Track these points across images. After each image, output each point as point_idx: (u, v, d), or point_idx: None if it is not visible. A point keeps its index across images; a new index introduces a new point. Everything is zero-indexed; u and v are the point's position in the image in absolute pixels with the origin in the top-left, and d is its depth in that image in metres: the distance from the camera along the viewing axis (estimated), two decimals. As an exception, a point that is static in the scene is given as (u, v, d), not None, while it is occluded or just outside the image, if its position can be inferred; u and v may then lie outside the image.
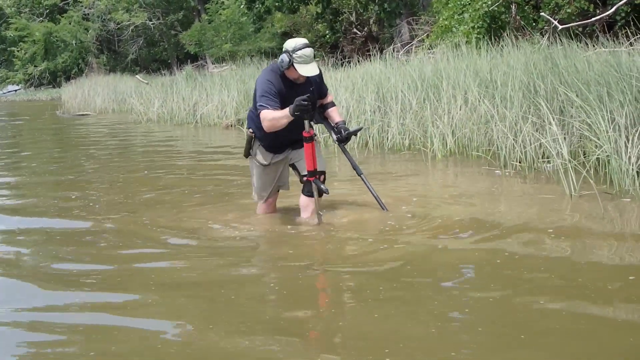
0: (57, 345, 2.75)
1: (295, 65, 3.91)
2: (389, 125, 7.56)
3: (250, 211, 4.62)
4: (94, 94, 20.11)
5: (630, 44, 7.03)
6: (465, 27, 10.48)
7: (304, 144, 4.02)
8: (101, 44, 33.60)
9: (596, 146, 5.02)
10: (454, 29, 10.83)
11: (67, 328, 2.90)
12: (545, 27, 10.05)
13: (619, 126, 4.88)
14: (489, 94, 6.71)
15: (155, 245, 4.13)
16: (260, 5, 17.52)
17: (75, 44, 32.67)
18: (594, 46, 7.23)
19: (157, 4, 29.44)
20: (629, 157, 4.66)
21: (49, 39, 33.15)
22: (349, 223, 4.23)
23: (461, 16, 10.92)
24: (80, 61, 33.13)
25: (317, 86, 4.20)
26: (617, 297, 2.84)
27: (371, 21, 16.91)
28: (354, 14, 17.02)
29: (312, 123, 4.05)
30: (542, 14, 9.94)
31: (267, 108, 3.90)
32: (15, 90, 37.20)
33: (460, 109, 6.86)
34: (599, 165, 4.99)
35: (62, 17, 33.77)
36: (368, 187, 4.36)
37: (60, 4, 34.43)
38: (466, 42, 9.40)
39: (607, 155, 4.84)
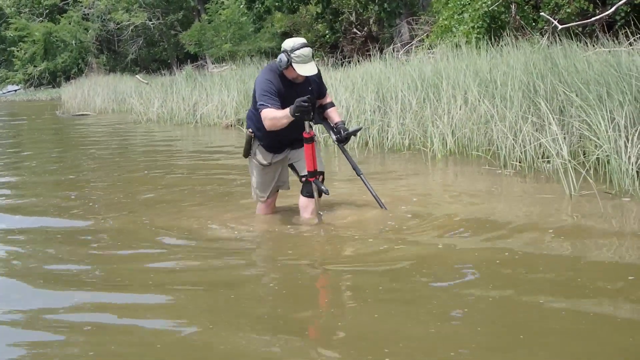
0: (57, 345, 2.75)
1: (293, 64, 3.91)
2: (389, 125, 7.56)
3: (250, 211, 4.63)
4: (94, 94, 20.10)
5: (630, 44, 7.03)
6: (465, 27, 10.48)
7: (305, 145, 4.03)
8: (101, 44, 33.58)
9: (596, 146, 5.02)
10: (453, 29, 10.83)
11: (66, 328, 2.90)
12: (545, 27, 10.05)
13: (618, 126, 4.88)
14: (488, 93, 6.71)
15: (155, 245, 4.13)
16: (260, 5, 17.52)
17: (75, 44, 32.66)
18: (593, 46, 7.23)
19: (157, 4, 29.43)
20: (629, 157, 4.66)
21: (48, 39, 33.13)
22: (349, 223, 4.23)
23: (461, 16, 10.92)
24: (80, 61, 33.11)
25: (316, 86, 4.20)
26: (617, 296, 2.84)
27: (371, 21, 16.90)
28: (353, 14, 17.01)
29: (311, 124, 4.06)
30: (541, 13, 9.94)
31: (268, 107, 3.91)
32: (15, 90, 37.19)
33: (460, 109, 6.86)
34: (598, 165, 4.99)
35: (62, 17, 33.75)
36: (367, 187, 4.36)
37: (60, 4, 34.43)
38: (466, 42, 9.40)
39: (607, 155, 4.84)
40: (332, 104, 4.38)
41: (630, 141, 4.73)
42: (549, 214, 4.20)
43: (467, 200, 4.79)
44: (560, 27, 8.23)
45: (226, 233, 4.26)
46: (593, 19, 8.85)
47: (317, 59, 14.62)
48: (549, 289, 2.95)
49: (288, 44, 3.96)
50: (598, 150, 4.92)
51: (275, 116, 3.88)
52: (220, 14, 23.73)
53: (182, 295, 3.22)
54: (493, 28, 10.28)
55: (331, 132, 4.31)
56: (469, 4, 10.80)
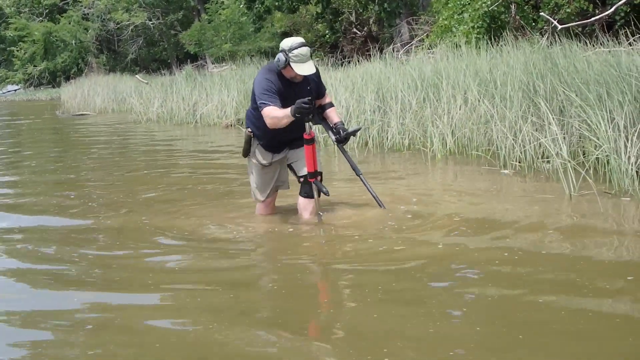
0: (57, 345, 2.75)
1: (291, 64, 3.92)
2: (389, 125, 7.56)
3: (250, 211, 4.63)
4: (94, 93, 20.09)
5: (630, 44, 7.03)
6: (465, 27, 10.48)
7: (305, 146, 4.04)
8: (101, 43, 33.59)
9: (595, 146, 5.02)
10: (453, 29, 10.83)
11: (66, 328, 2.90)
12: (545, 27, 10.05)
13: (618, 126, 4.88)
14: (488, 93, 6.71)
15: (155, 244, 4.13)
16: (260, 5, 17.52)
17: (75, 43, 32.67)
18: (593, 46, 7.23)
19: (156, 4, 29.44)
20: (628, 157, 4.66)
21: (48, 39, 33.14)
22: (349, 223, 4.23)
23: (461, 16, 10.92)
24: (79, 61, 33.13)
25: (314, 85, 4.21)
26: (617, 296, 2.84)
27: (371, 21, 16.90)
28: (353, 14, 17.01)
29: (311, 124, 4.06)
30: (541, 13, 9.94)
31: (269, 105, 3.92)
32: (15, 90, 37.19)
33: (460, 109, 6.86)
34: (598, 164, 4.99)
35: (62, 17, 33.77)
36: (367, 187, 4.36)
37: (60, 4, 34.44)
38: (466, 42, 9.40)
39: (607, 155, 4.85)
40: (331, 104, 4.39)
41: (629, 141, 4.73)
42: (548, 214, 4.20)
43: (466, 200, 4.79)
44: (560, 27, 8.24)
45: (226, 233, 4.26)
46: (593, 19, 8.86)
47: (317, 58, 14.61)
48: (549, 289, 2.95)
49: (286, 43, 3.97)
50: (598, 150, 4.92)
51: (276, 115, 3.89)
52: (220, 14, 23.74)
53: (182, 295, 3.22)
54: (493, 28, 10.28)
55: (330, 132, 4.32)
56: (469, 4, 10.80)
